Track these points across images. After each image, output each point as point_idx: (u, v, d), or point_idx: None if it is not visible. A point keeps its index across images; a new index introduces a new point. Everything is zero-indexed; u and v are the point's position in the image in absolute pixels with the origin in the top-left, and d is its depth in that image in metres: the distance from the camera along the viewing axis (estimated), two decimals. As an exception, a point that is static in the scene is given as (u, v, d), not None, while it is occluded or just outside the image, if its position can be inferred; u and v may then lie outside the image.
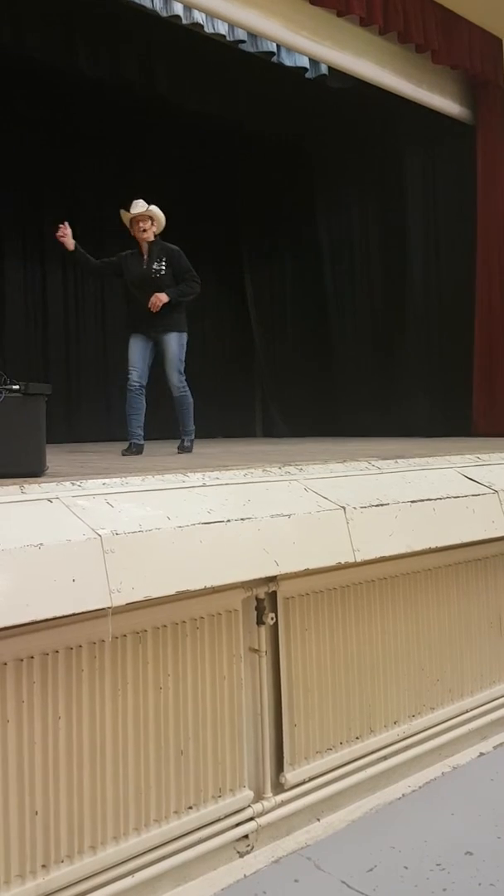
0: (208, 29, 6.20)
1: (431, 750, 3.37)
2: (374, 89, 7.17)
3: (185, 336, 5.39)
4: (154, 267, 5.29)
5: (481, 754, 3.54)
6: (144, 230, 5.31)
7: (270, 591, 2.84)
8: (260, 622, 2.82)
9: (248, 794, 2.75)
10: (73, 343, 9.38)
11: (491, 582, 3.75)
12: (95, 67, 6.86)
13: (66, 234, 5.12)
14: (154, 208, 5.38)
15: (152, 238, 5.36)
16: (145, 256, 5.35)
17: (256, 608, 2.82)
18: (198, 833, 2.59)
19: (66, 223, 5.14)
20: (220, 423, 9.76)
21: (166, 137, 8.79)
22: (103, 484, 2.67)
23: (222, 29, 6.27)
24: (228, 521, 2.60)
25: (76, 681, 2.34)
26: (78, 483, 2.62)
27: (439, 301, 8.37)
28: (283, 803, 2.84)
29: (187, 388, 5.45)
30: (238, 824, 2.71)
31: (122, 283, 5.42)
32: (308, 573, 2.87)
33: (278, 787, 2.85)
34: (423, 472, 3.64)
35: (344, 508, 2.94)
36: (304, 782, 2.91)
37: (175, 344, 5.34)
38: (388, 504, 3.11)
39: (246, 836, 2.72)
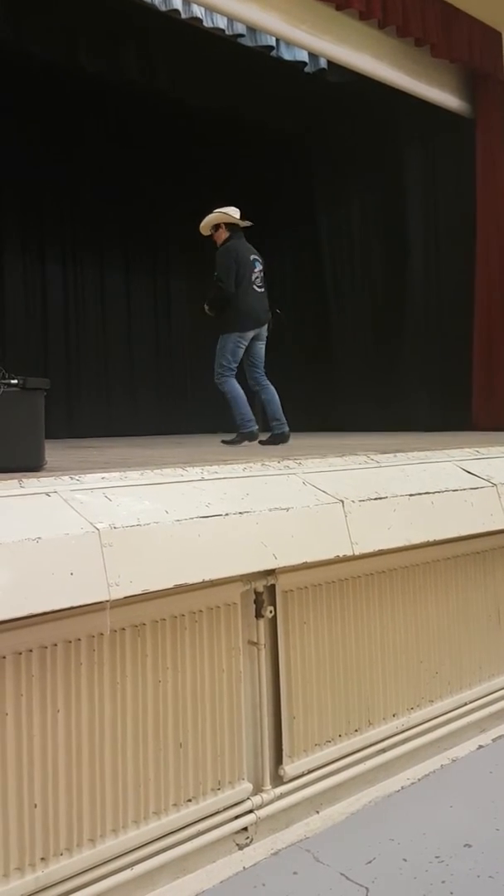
0: (207, 23, 6.20)
1: (430, 743, 3.38)
2: (373, 83, 7.16)
3: (226, 337, 5.51)
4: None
5: (480, 747, 3.55)
6: None
7: (269, 584, 2.85)
8: (258, 615, 2.82)
9: (248, 786, 2.76)
10: (73, 338, 9.38)
11: (489, 575, 3.75)
12: (94, 62, 6.86)
13: None
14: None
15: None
16: None
17: (255, 601, 2.82)
18: (197, 826, 2.59)
19: None
20: (220, 418, 9.76)
21: (165, 132, 8.78)
22: (102, 478, 2.67)
23: (221, 23, 6.26)
24: (227, 514, 2.60)
25: (75, 674, 2.34)
26: (76, 477, 2.62)
27: (438, 295, 8.36)
28: (282, 796, 2.84)
29: (222, 384, 5.53)
30: (237, 817, 2.71)
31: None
32: (307, 566, 2.88)
33: (277, 780, 2.86)
34: (421, 465, 3.64)
35: (342, 502, 2.94)
36: (303, 775, 2.92)
37: (218, 343, 5.57)
38: (386, 497, 3.11)
39: (245, 829, 2.73)
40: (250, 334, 5.51)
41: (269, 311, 5.61)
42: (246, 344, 5.51)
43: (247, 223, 5.68)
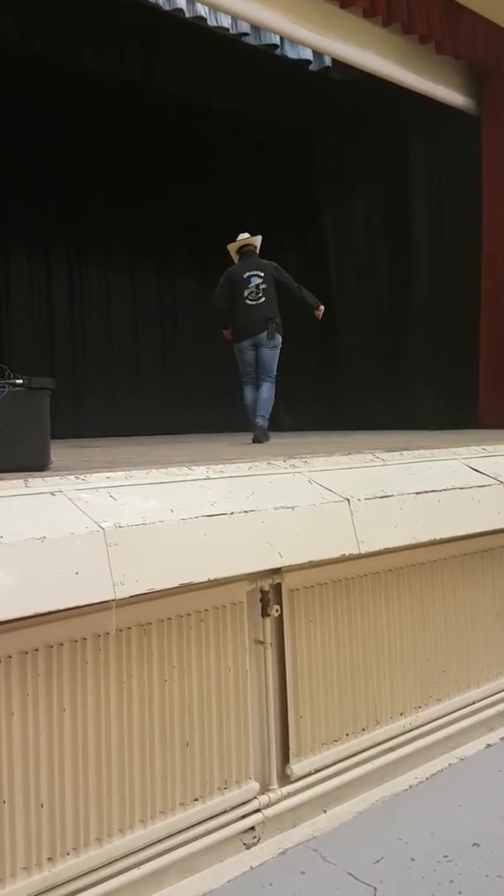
0: (211, 22, 6.18)
1: (438, 741, 3.37)
2: (377, 81, 7.13)
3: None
4: None
5: (488, 746, 3.54)
6: None
7: (275, 583, 2.84)
8: (265, 614, 2.82)
9: (254, 785, 2.75)
10: (78, 338, 9.38)
11: (497, 573, 3.74)
12: (98, 62, 6.86)
13: None
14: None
15: None
16: None
17: (261, 600, 2.82)
18: (204, 825, 2.59)
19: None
20: (227, 417, 9.75)
21: (169, 132, 8.77)
22: (107, 477, 2.67)
23: (225, 22, 6.25)
24: (232, 513, 2.60)
25: (81, 673, 2.34)
26: (81, 477, 2.62)
27: (445, 293, 8.33)
28: (289, 795, 2.84)
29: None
30: (244, 816, 2.71)
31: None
32: (312, 565, 2.87)
33: (284, 779, 2.85)
34: (428, 463, 3.63)
35: (348, 500, 2.93)
36: (310, 774, 2.91)
37: None
38: (392, 496, 3.10)
39: (252, 828, 2.72)
40: (245, 344, 6.07)
41: (269, 319, 5.97)
42: (247, 351, 6.07)
43: (240, 242, 6.24)
